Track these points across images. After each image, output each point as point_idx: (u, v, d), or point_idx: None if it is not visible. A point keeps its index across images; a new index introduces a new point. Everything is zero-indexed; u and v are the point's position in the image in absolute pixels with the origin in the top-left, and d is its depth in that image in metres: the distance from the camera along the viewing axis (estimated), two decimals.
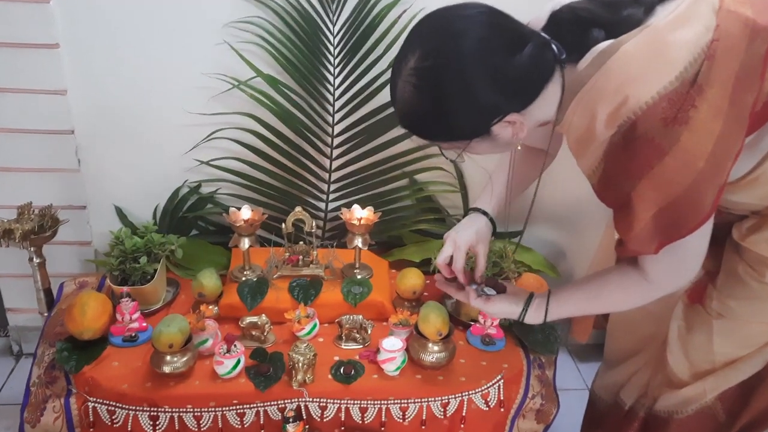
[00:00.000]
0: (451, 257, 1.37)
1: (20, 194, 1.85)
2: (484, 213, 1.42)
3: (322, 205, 2.00)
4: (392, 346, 1.50)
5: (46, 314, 1.78)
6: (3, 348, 2.18)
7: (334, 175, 1.96)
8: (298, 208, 1.71)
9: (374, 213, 1.72)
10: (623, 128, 0.99)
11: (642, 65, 0.99)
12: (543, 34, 1.07)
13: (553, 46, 1.05)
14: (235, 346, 1.49)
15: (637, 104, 0.97)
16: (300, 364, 1.44)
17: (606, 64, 1.01)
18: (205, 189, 1.98)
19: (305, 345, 1.48)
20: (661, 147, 0.98)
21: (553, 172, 1.35)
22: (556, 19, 1.09)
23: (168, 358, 1.44)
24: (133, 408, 1.44)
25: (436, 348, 1.50)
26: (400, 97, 1.06)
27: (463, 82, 1.00)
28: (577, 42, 1.05)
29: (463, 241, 1.37)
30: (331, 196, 1.99)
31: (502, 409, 1.52)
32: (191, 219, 1.95)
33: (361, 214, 1.72)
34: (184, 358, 1.46)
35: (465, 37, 0.99)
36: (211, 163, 1.90)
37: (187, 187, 1.96)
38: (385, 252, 1.93)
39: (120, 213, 1.96)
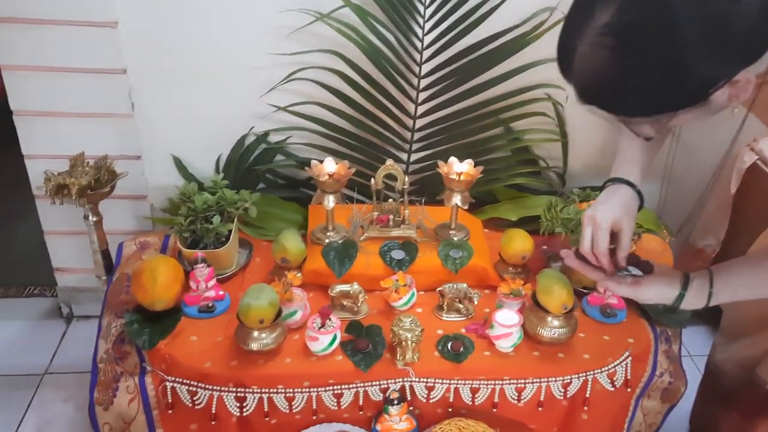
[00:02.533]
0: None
1: (67, 142, 1.66)
2: (628, 183, 1.20)
3: (403, 156, 1.79)
4: (508, 320, 1.31)
5: (104, 278, 1.61)
6: (51, 310, 2.01)
7: (419, 122, 1.74)
8: (389, 161, 1.50)
9: (475, 167, 1.51)
10: None
11: None
12: None
13: None
14: (330, 320, 1.30)
15: None
16: (409, 342, 1.26)
17: None
18: (273, 138, 1.76)
19: (410, 319, 1.30)
20: None
21: None
22: None
23: (256, 334, 1.27)
24: (218, 388, 1.27)
25: (556, 322, 1.32)
26: (586, 65, 0.83)
27: (679, 40, 0.77)
28: None
29: (603, 217, 1.15)
30: (414, 146, 1.77)
31: (628, 389, 1.35)
32: (258, 172, 1.74)
33: (461, 168, 1.51)
34: (274, 334, 1.28)
35: None
36: (289, 109, 1.68)
37: (253, 135, 1.75)
38: (475, 209, 1.73)
39: (179, 164, 1.76)
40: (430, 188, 1.74)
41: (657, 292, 1.12)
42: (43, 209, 1.80)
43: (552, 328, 1.31)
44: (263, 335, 1.27)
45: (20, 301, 2.04)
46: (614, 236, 1.17)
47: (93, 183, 1.48)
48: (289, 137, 1.75)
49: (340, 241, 1.52)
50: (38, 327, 1.95)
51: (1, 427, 1.63)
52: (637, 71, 0.80)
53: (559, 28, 0.87)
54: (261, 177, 1.77)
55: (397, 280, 1.42)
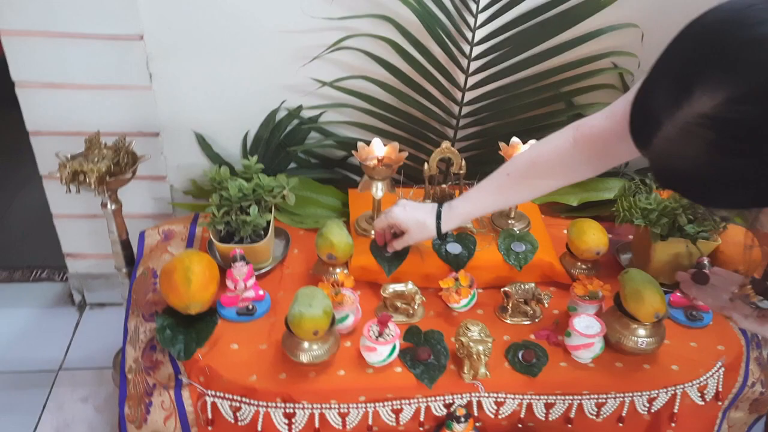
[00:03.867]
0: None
1: (77, 118, 1.48)
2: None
3: (449, 132, 1.62)
4: (588, 328, 1.17)
5: (124, 270, 1.45)
6: (62, 295, 1.86)
7: (468, 95, 1.56)
8: (445, 144, 1.33)
9: None
10: None
11: None
12: None
13: None
14: (388, 328, 1.16)
15: None
16: (481, 356, 1.12)
17: None
18: (305, 113, 1.58)
19: (479, 328, 1.15)
20: None
21: None
22: None
23: (307, 345, 1.12)
24: (264, 404, 1.13)
25: (644, 331, 1.18)
26: (672, 150, 0.67)
27: None
28: None
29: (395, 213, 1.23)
30: (462, 122, 1.60)
31: (719, 403, 1.22)
32: (290, 152, 1.57)
33: (525, 149, 1.34)
34: (327, 345, 1.14)
35: None
36: (336, 84, 1.49)
37: (284, 110, 1.57)
38: None
39: (201, 142, 1.58)
40: (478, 168, 1.57)
41: None
42: (51, 191, 1.63)
43: (639, 338, 1.17)
44: (315, 346, 1.12)
45: (27, 286, 1.89)
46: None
47: (112, 168, 1.31)
48: (323, 112, 1.57)
49: None
50: (48, 315, 1.81)
51: (15, 430, 1.50)
52: (737, 169, 0.64)
53: None
54: (292, 156, 1.59)
55: (457, 280, 1.27)
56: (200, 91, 1.53)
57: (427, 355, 1.17)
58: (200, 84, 1.52)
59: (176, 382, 1.17)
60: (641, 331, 1.17)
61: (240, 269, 1.23)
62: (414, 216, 1.22)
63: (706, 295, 1.05)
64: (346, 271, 1.30)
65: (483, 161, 1.60)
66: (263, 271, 1.35)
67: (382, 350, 1.14)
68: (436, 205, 1.23)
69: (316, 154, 1.62)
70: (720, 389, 1.21)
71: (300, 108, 1.56)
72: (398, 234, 1.27)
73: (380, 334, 1.15)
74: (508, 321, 1.28)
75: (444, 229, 1.22)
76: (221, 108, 1.56)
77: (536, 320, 1.28)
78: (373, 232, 1.37)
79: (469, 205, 1.21)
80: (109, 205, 1.37)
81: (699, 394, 1.19)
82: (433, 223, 1.21)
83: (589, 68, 1.52)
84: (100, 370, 1.62)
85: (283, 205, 1.41)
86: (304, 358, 1.12)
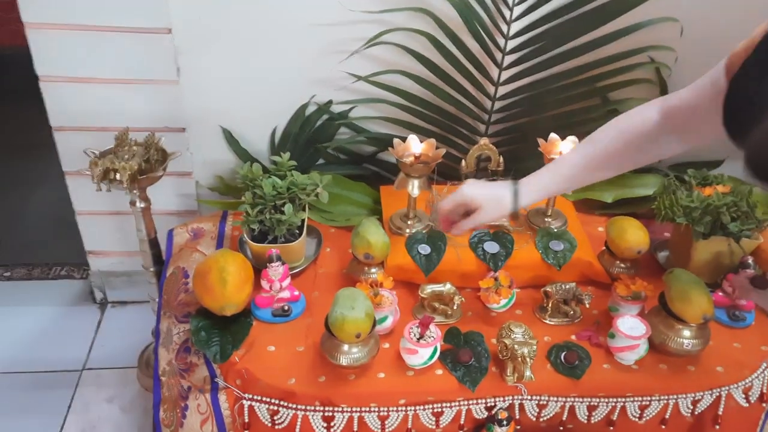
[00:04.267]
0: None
1: (102, 113, 1.45)
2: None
3: (481, 128, 1.59)
4: (633, 329, 1.15)
5: (152, 269, 1.42)
6: (83, 293, 1.83)
7: (502, 90, 1.53)
8: (483, 140, 1.31)
9: None
10: None
11: None
12: None
13: None
14: (429, 329, 1.13)
15: None
16: (527, 359, 1.09)
17: None
18: (335, 108, 1.55)
19: (522, 330, 1.13)
20: None
21: None
22: None
23: (347, 347, 1.10)
24: (303, 408, 1.11)
25: (689, 333, 1.15)
26: None
27: None
28: None
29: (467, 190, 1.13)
30: (494, 117, 1.57)
31: (763, 404, 1.20)
32: (320, 148, 1.54)
33: (564, 147, 1.32)
34: (367, 348, 1.11)
35: None
36: (371, 78, 1.46)
37: (314, 105, 1.54)
38: None
39: (229, 137, 1.55)
40: (512, 164, 1.54)
41: None
42: (75, 188, 1.60)
43: (684, 339, 1.15)
44: (355, 349, 1.10)
45: (46, 284, 1.86)
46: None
47: (143, 165, 1.28)
48: (353, 107, 1.54)
49: (424, 231, 1.34)
50: (70, 314, 1.78)
51: (41, 431, 1.47)
52: None
53: None
54: (321, 152, 1.56)
55: (497, 280, 1.24)
56: (228, 85, 1.50)
57: (468, 357, 1.15)
58: (228, 78, 1.49)
59: (212, 385, 1.15)
60: (686, 333, 1.15)
61: (276, 270, 1.21)
62: (487, 191, 1.13)
63: (762, 297, 1.02)
64: (382, 271, 1.28)
65: (515, 157, 1.57)
66: (297, 270, 1.32)
67: (423, 353, 1.12)
68: (509, 181, 1.14)
69: (346, 150, 1.59)
70: (765, 390, 1.19)
71: (330, 103, 1.53)
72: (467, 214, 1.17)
73: (421, 336, 1.12)
74: (547, 321, 1.26)
75: (521, 203, 1.12)
76: (249, 103, 1.52)
77: (576, 321, 1.26)
78: (407, 230, 1.34)
79: (547, 178, 1.12)
80: (138, 203, 1.34)
81: (743, 396, 1.17)
82: (509, 197, 1.11)
83: (626, 63, 1.49)
84: (124, 369, 1.60)
85: (315, 203, 1.38)
86: (344, 360, 1.10)
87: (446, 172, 1.52)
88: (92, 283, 1.79)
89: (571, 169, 1.09)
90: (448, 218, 1.19)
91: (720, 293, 1.27)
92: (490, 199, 1.12)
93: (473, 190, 1.13)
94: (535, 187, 1.12)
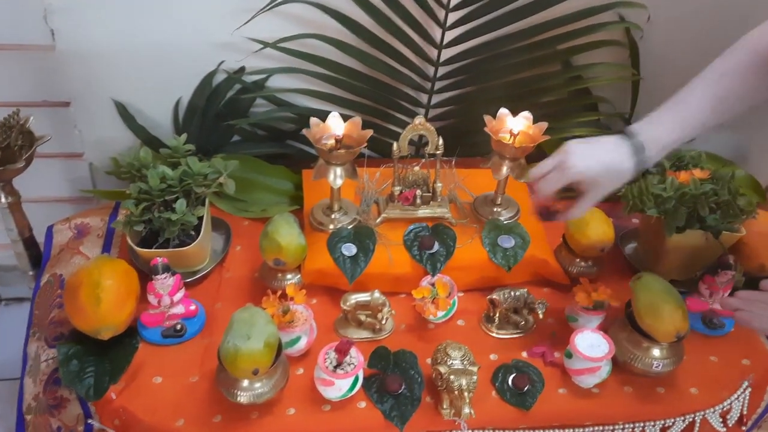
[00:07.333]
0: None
1: None
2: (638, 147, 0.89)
3: (423, 98, 1.36)
4: (594, 349, 0.96)
5: (31, 273, 1.20)
6: None
7: (446, 53, 1.30)
8: (419, 119, 1.08)
9: (535, 124, 1.10)
10: None
11: None
12: None
13: None
14: (349, 355, 0.93)
15: None
16: (465, 393, 0.90)
17: None
18: (249, 78, 1.31)
19: (461, 353, 0.94)
20: None
21: None
22: None
23: (246, 383, 0.89)
24: None
25: (658, 352, 0.97)
26: None
27: None
28: None
29: (575, 165, 0.89)
30: (438, 85, 1.34)
31: (742, 428, 1.04)
32: (231, 122, 1.30)
33: (515, 125, 1.10)
34: (272, 380, 0.91)
35: None
36: (281, 45, 1.22)
37: (223, 73, 1.29)
38: None
39: (123, 112, 1.30)
40: (457, 140, 1.32)
41: None
42: None
43: (653, 360, 0.97)
44: (257, 384, 0.90)
45: None
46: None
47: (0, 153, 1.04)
48: (268, 76, 1.30)
49: (350, 227, 1.13)
50: None
51: None
52: None
53: None
54: (235, 128, 1.33)
55: (434, 288, 1.04)
56: (117, 49, 1.24)
57: (397, 385, 0.96)
58: (116, 41, 1.23)
59: (86, 427, 0.94)
60: (656, 352, 0.97)
61: (163, 282, 0.99)
62: (604, 160, 0.89)
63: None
64: (297, 280, 1.07)
65: (462, 131, 1.36)
66: (198, 276, 1.10)
67: (341, 384, 0.92)
68: (614, 137, 0.90)
69: (265, 126, 1.35)
70: (744, 412, 1.02)
71: (242, 70, 1.29)
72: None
73: (339, 365, 0.92)
74: (494, 334, 1.07)
75: (644, 167, 0.91)
76: (145, 71, 1.27)
77: (528, 331, 1.07)
78: (331, 225, 1.13)
79: (676, 134, 0.89)
80: (2, 199, 1.10)
81: (720, 420, 1.00)
82: (630, 163, 0.89)
83: (591, 22, 1.26)
84: (14, 381, 1.38)
85: (225, 191, 1.15)
86: (244, 398, 0.90)
87: (383, 149, 1.31)
88: None
89: (700, 115, 0.87)
90: (544, 203, 0.96)
91: (697, 297, 1.09)
92: (606, 171, 0.89)
93: (583, 161, 0.89)
94: (661, 145, 0.89)
